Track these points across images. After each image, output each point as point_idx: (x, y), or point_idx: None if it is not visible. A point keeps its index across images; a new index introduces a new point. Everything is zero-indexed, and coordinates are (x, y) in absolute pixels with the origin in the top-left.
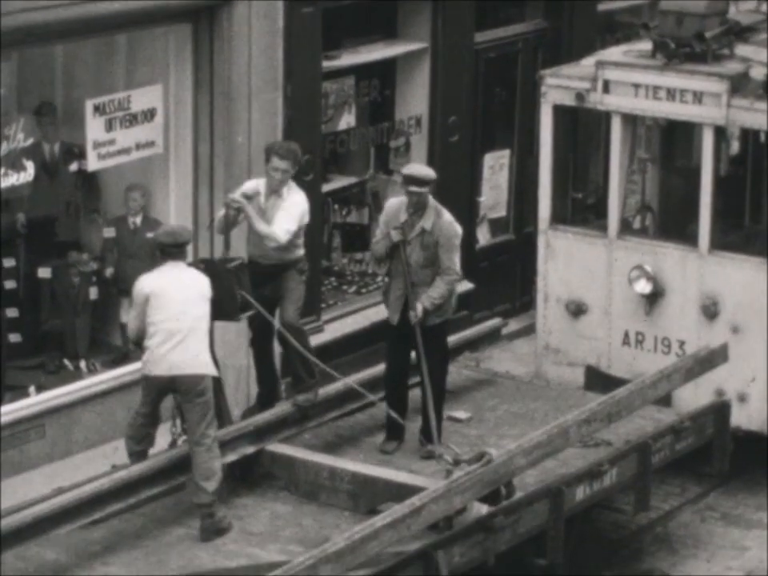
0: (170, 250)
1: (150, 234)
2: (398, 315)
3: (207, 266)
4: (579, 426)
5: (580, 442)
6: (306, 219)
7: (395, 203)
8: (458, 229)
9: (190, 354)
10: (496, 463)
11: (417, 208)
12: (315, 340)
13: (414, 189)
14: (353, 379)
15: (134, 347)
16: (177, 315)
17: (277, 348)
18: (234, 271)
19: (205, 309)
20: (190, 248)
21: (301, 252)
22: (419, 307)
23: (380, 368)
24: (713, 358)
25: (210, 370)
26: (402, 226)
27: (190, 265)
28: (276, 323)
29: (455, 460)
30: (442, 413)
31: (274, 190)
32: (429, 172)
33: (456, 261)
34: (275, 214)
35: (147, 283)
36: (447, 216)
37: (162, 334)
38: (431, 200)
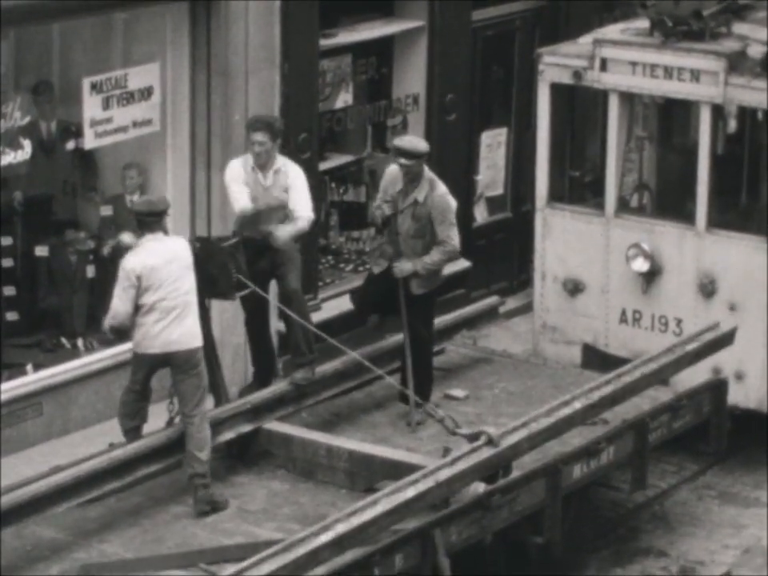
0: (146, 219)
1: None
2: (381, 269)
3: (203, 245)
4: (586, 410)
5: None
6: None
7: (394, 170)
8: (452, 202)
9: (184, 329)
10: (501, 449)
11: (410, 179)
12: (312, 318)
13: (402, 161)
14: (358, 353)
15: (112, 334)
16: (169, 293)
17: (273, 325)
18: (229, 250)
19: (191, 280)
20: (186, 226)
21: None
22: (409, 264)
23: (381, 344)
24: (720, 342)
25: (199, 340)
26: (392, 198)
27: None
28: (273, 300)
29: (453, 431)
30: (430, 373)
31: (262, 165)
32: (419, 146)
33: (453, 234)
34: (290, 194)
35: (136, 265)
36: (441, 189)
37: (158, 312)
38: (427, 171)
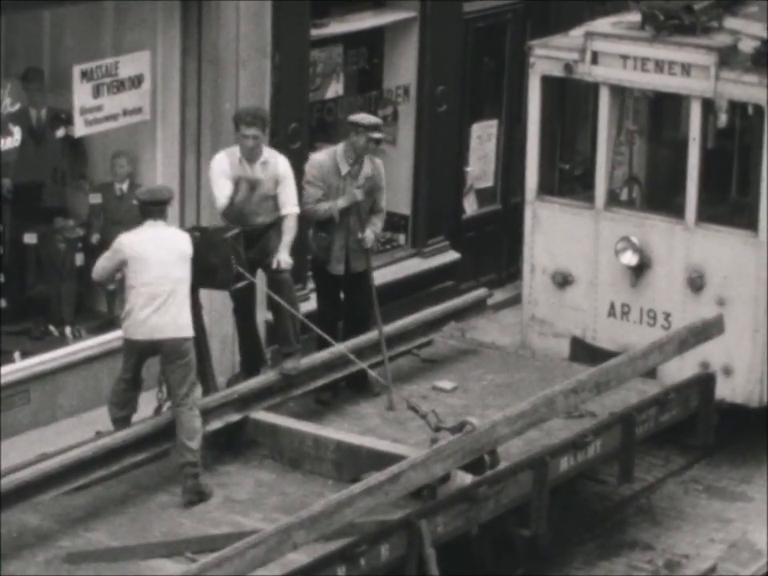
0: (149, 207)
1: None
2: (343, 265)
3: (202, 235)
4: (566, 395)
5: (565, 413)
6: None
7: (325, 158)
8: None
9: (170, 317)
10: (478, 432)
11: (358, 156)
12: (301, 308)
13: (377, 135)
14: (342, 345)
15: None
16: (157, 279)
17: (261, 315)
18: (230, 241)
19: (185, 270)
20: (176, 214)
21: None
22: (371, 233)
23: (367, 336)
24: (707, 330)
25: (189, 332)
26: (335, 187)
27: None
28: (266, 289)
29: (437, 426)
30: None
31: (253, 158)
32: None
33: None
34: (281, 188)
35: (127, 246)
36: (377, 159)
37: (143, 297)
38: None
